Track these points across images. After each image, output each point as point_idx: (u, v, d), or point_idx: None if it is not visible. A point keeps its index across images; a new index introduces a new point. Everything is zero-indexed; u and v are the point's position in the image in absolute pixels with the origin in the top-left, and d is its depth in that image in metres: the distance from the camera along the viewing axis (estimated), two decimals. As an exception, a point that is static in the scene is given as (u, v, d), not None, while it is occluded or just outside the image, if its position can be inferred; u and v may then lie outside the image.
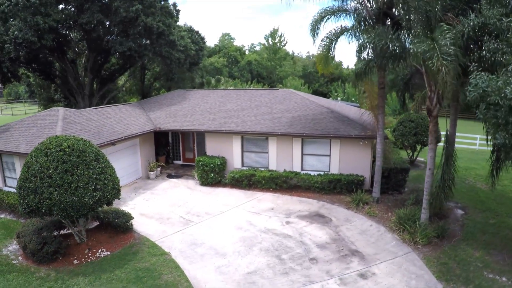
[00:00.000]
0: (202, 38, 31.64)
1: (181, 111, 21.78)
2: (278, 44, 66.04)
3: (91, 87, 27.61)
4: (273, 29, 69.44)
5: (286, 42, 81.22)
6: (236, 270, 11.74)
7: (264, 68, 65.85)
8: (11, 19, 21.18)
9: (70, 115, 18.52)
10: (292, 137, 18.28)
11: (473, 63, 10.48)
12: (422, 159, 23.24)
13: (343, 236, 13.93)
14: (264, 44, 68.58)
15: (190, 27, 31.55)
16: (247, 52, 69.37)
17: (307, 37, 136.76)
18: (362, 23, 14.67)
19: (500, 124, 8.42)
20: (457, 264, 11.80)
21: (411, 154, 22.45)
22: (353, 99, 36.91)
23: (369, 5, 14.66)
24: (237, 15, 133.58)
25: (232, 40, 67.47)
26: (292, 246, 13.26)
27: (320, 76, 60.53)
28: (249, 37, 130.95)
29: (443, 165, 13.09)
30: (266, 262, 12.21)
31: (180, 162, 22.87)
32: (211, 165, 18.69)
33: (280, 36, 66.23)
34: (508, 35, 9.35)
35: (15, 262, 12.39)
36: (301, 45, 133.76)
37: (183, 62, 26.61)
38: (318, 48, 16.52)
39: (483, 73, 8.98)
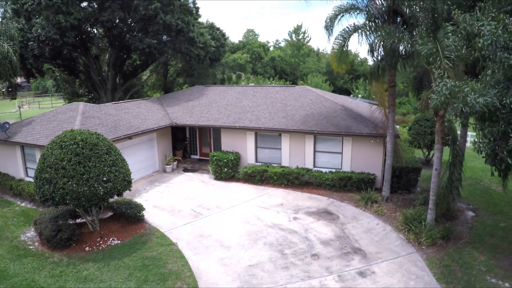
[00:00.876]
0: (223, 35, 32.34)
1: (198, 106, 22.63)
2: (302, 40, 66.13)
3: (114, 82, 29.00)
4: (297, 25, 69.81)
5: (310, 38, 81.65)
6: (238, 263, 12.39)
7: (287, 65, 66.29)
8: (36, 17, 22.63)
9: (90, 109, 19.69)
10: (304, 134, 18.69)
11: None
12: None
13: (347, 234, 14.28)
14: (288, 40, 68.82)
15: (212, 23, 32.30)
16: (272, 48, 70.09)
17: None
18: (373, 22, 14.83)
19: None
20: (460, 267, 11.91)
21: (427, 153, 22.28)
22: (374, 96, 36.49)
23: (378, 3, 14.77)
24: (263, 11, 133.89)
25: (256, 36, 68.28)
26: (296, 241, 13.77)
27: (345, 73, 59.63)
28: (275, 33, 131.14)
29: (450, 165, 13.16)
30: (268, 256, 12.79)
31: (197, 157, 23.80)
32: (225, 160, 19.43)
33: (304, 33, 66.30)
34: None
35: (31, 247, 13.49)
36: (326, 41, 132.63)
37: (202, 58, 27.44)
38: (332, 46, 16.87)
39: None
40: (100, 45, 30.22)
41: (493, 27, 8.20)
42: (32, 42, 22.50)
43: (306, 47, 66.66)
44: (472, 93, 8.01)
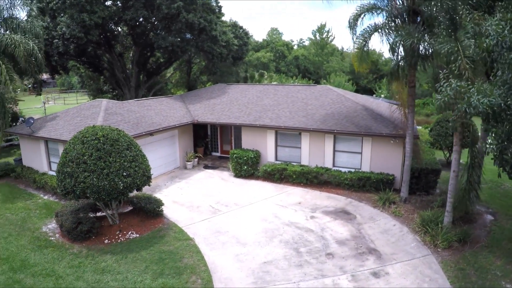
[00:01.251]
0: (246, 33, 32.78)
1: (219, 104, 23.16)
2: (325, 39, 66.25)
3: (137, 79, 30.02)
4: (321, 24, 70.35)
5: (334, 37, 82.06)
6: (253, 259, 12.79)
7: (311, 63, 66.64)
8: (61, 16, 23.66)
9: (112, 106, 20.49)
10: (324, 133, 18.87)
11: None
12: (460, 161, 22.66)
13: (364, 234, 14.43)
14: (312, 39, 68.94)
15: (235, 22, 32.83)
16: (296, 47, 70.85)
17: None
18: (393, 22, 14.84)
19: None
20: (475, 271, 11.86)
21: (448, 155, 21.95)
22: (397, 96, 35.76)
23: (398, 2, 14.77)
24: (288, 10, 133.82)
25: (280, 35, 68.99)
26: (312, 240, 14.04)
27: (369, 73, 59.93)
28: (299, 32, 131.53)
29: (469, 167, 13.05)
30: (283, 253, 13.12)
31: (218, 154, 24.38)
32: (245, 158, 19.87)
33: (328, 32, 66.27)
34: None
35: (52, 238, 14.27)
36: (350, 41, 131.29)
37: (225, 57, 27.99)
38: (354, 46, 17.01)
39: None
40: (124, 43, 31.26)
41: (500, 27, 8.18)
42: (57, 40, 23.61)
43: (330, 46, 66.82)
44: (476, 93, 8.04)
